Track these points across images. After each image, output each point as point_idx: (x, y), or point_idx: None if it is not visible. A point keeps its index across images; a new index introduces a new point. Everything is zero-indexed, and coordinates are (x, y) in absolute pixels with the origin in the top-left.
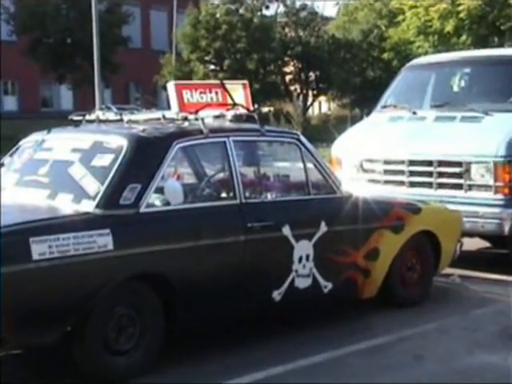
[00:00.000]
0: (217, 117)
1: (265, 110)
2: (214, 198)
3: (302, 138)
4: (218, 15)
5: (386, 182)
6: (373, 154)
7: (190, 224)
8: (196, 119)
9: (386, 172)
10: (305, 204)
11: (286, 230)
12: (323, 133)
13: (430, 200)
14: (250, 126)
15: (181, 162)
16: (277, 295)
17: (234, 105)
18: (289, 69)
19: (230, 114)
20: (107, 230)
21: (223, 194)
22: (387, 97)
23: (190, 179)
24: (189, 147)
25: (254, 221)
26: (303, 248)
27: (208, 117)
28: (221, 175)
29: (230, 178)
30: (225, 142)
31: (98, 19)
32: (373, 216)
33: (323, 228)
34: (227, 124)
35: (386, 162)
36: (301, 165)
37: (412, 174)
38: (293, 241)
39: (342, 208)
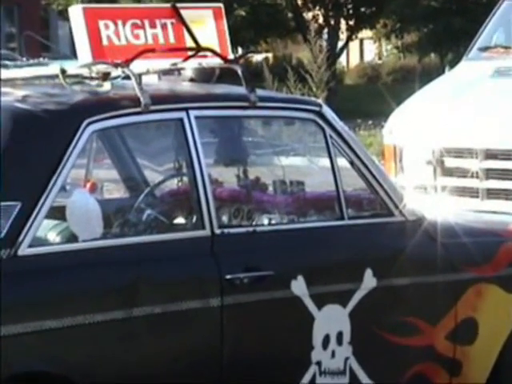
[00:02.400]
0: (166, 72)
1: (257, 58)
2: (162, 225)
3: (328, 113)
4: None
5: (491, 192)
6: (464, 141)
7: (114, 277)
8: (126, 77)
9: (491, 173)
10: (334, 236)
11: (299, 287)
12: (367, 101)
13: None
14: (228, 89)
15: (97, 157)
16: None
17: (199, 50)
18: None
19: (190, 68)
20: None
21: (179, 219)
22: (490, 32)
23: (116, 191)
24: (112, 131)
25: (238, 269)
26: (332, 320)
27: (149, 73)
28: (174, 183)
29: (191, 189)
30: (181, 121)
31: None
32: (464, 258)
33: (369, 282)
34: (186, 87)
35: (491, 155)
36: (326, 162)
37: None
38: (312, 306)
39: (403, 244)
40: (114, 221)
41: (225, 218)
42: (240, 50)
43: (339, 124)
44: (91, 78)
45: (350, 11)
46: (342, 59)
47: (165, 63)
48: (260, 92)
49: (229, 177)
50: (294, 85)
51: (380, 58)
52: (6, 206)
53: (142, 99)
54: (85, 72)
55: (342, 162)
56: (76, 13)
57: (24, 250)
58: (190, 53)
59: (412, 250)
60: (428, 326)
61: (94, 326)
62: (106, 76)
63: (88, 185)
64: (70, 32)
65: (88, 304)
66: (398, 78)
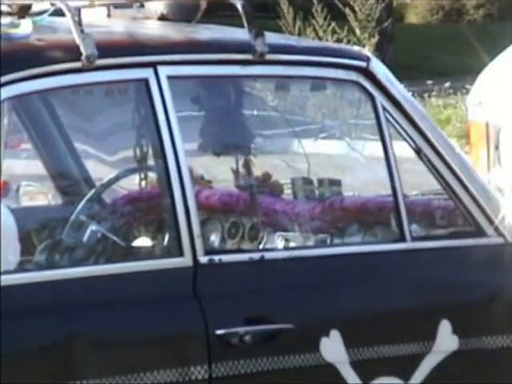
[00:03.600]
0: (121, 5)
1: None
2: (115, 250)
3: (380, 71)
4: None
5: None
6: None
7: (35, 337)
8: (57, 13)
9: None
10: (389, 269)
11: (334, 349)
12: (443, 51)
13: None
14: (220, 34)
15: (11, 141)
16: None
17: None
18: None
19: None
20: None
21: (142, 240)
22: None
23: (41, 195)
24: (35, 98)
25: (236, 319)
26: None
27: (94, 5)
28: (134, 182)
29: (161, 191)
30: (146, 83)
31: None
32: None
33: (446, 342)
34: (152, 29)
35: None
36: (375, 149)
37: None
38: (355, 381)
39: (502, 281)
40: (37, 243)
41: (215, 239)
42: None
43: (397, 88)
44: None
45: None
46: None
47: None
48: (271, 38)
49: (221, 172)
50: (324, 25)
51: None
52: None
53: (82, 48)
54: None
55: (401, 148)
56: None
57: None
58: None
59: None
60: None
61: None
62: (24, 10)
63: None
64: None
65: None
66: (492, 14)
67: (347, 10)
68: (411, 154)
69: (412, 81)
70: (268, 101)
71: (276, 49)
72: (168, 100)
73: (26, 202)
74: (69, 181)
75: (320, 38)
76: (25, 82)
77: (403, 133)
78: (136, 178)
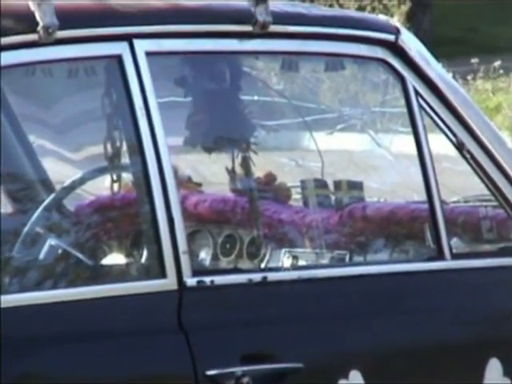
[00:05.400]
0: None
1: None
2: (80, 270)
3: (412, 46)
4: None
5: None
6: None
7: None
8: None
9: None
10: (424, 293)
11: None
12: (489, 23)
13: None
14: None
15: None
16: None
17: None
18: None
19: None
20: None
21: (115, 257)
22: None
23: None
24: None
25: (231, 357)
26: None
27: None
28: (104, 184)
29: (138, 196)
30: (119, 60)
31: None
32: None
33: None
34: None
35: None
36: (406, 143)
37: None
38: None
39: None
40: None
41: (205, 256)
42: None
43: (433, 68)
44: None
45: None
46: None
47: None
48: (276, 5)
49: (213, 173)
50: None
51: None
52: None
53: (38, 17)
54: None
55: (439, 143)
56: None
57: None
58: None
59: None
60: None
61: None
62: None
63: None
64: None
65: None
66: None
67: None
68: (451, 150)
69: (453, 59)
70: (272, 83)
71: (282, 18)
72: (147, 82)
73: None
74: (21, 184)
75: (340, 6)
76: None
77: (441, 124)
78: (106, 179)
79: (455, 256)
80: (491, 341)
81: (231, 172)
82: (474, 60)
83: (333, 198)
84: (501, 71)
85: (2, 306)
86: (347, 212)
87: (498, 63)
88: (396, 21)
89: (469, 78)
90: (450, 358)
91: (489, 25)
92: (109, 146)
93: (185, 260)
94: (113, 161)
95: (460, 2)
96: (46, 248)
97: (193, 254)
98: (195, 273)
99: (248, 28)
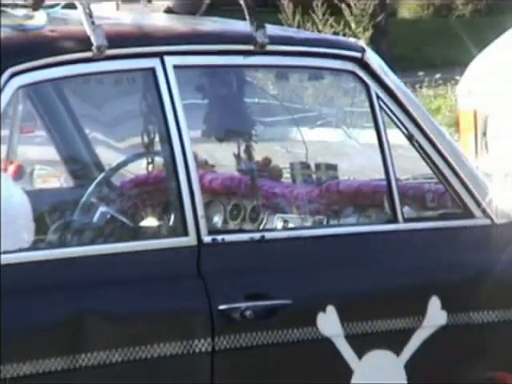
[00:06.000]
0: (127, 0)
1: None
2: (123, 230)
3: (374, 61)
4: None
5: None
6: None
7: (50, 310)
8: (69, 5)
9: None
10: (382, 248)
11: (330, 323)
12: (434, 44)
13: None
14: (223, 26)
15: (25, 127)
16: None
17: None
18: None
19: None
20: None
21: (149, 221)
22: None
23: (54, 179)
24: (48, 86)
25: (238, 295)
26: (378, 374)
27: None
28: (141, 166)
29: (167, 175)
30: (153, 72)
31: None
32: None
33: (435, 317)
34: (159, 21)
35: None
36: (370, 135)
37: None
38: (348, 353)
39: (489, 260)
40: (50, 223)
41: (217, 220)
42: None
43: (390, 78)
44: (15, 7)
45: None
46: None
47: None
48: (272, 30)
49: (224, 157)
50: (322, 19)
51: None
52: None
53: (93, 39)
54: None
55: (394, 135)
56: None
57: None
58: None
59: (502, 268)
60: None
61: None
62: (37, 3)
63: (11, 168)
64: None
65: (9, 352)
66: (480, 9)
67: (343, 5)
68: (404, 140)
69: (404, 72)
70: (268, 89)
71: (276, 40)
72: (174, 88)
73: (39, 184)
74: (80, 165)
75: (319, 31)
76: (38, 71)
77: (396, 120)
78: (143, 162)
79: (406, 220)
80: (432, 283)
81: (237, 157)
82: (421, 73)
83: (314, 176)
84: (440, 81)
85: (66, 256)
86: (325, 187)
87: (438, 75)
88: (362, 41)
89: (416, 86)
90: (402, 296)
91: (431, 47)
92: (145, 137)
93: (202, 223)
94: (148, 148)
95: (408, 31)
96: (98, 214)
97: (208, 218)
98: (210, 232)
99: (250, 47)
